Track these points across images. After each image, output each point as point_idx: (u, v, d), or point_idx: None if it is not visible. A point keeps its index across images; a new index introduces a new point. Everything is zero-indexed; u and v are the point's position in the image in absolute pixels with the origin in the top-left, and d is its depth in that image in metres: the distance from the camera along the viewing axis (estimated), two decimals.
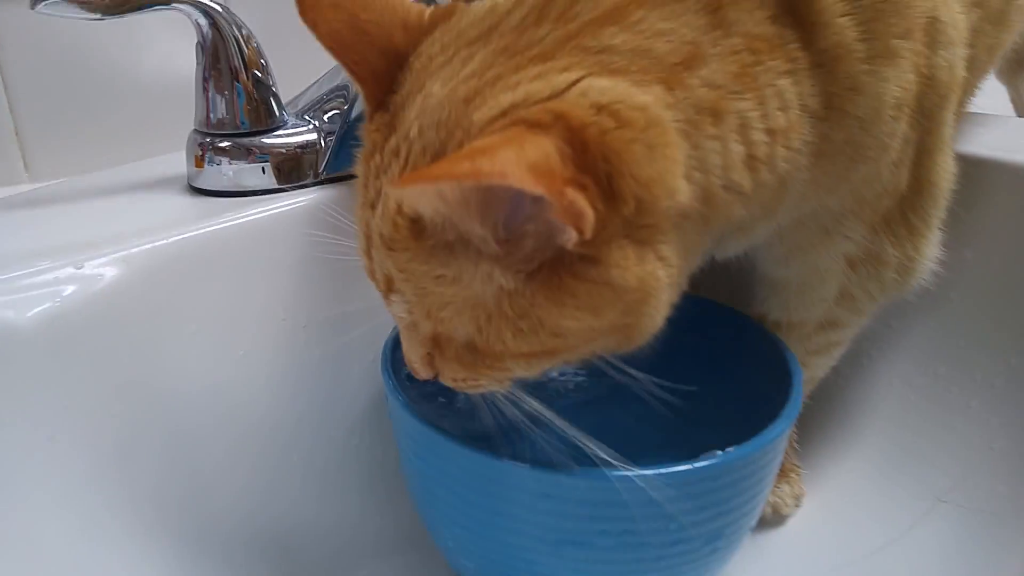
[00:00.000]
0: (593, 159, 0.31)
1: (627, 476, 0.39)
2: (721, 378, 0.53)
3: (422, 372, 0.42)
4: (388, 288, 0.39)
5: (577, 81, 0.33)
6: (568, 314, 0.35)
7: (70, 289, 0.46)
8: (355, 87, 0.41)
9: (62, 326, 0.45)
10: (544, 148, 0.30)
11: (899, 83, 0.40)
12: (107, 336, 0.47)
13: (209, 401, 0.52)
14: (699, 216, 0.37)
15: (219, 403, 0.52)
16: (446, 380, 0.42)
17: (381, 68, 0.40)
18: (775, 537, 0.58)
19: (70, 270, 0.47)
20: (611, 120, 0.32)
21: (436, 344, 0.40)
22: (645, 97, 0.33)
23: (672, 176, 0.34)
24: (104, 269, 0.48)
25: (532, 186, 0.28)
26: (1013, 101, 0.79)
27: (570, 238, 0.32)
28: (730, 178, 0.36)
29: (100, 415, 0.46)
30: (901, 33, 0.39)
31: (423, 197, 0.32)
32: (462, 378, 0.41)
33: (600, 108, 0.32)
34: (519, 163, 0.28)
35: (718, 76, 0.35)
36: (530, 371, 0.39)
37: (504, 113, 0.33)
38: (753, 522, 0.47)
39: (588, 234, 0.31)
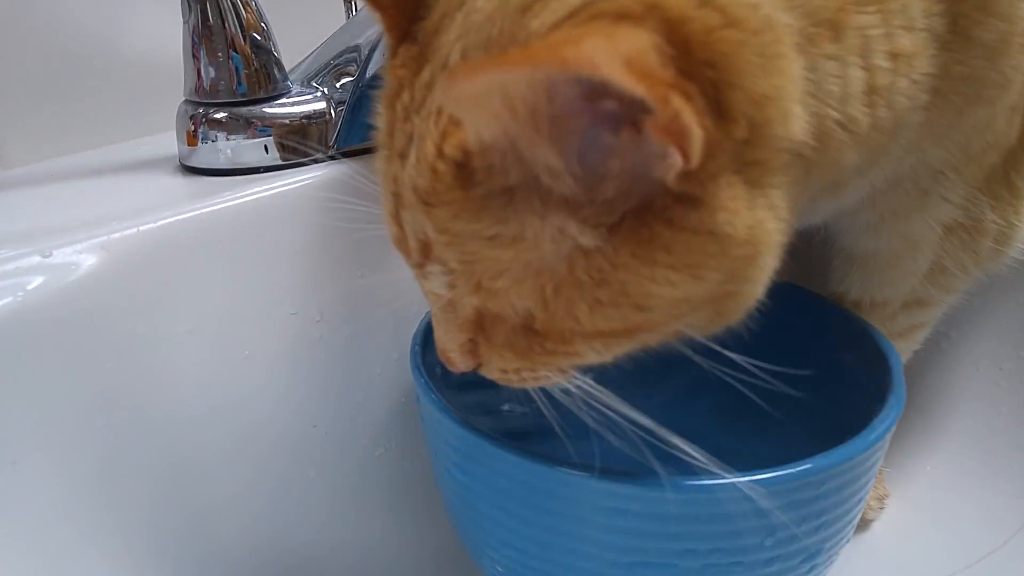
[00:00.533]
0: (697, 62, 0.25)
1: (725, 484, 0.33)
2: (806, 369, 0.48)
3: (461, 363, 0.37)
4: (424, 257, 0.33)
5: None
6: (660, 277, 0.29)
7: (36, 281, 0.41)
8: (372, 14, 0.35)
9: (26, 325, 0.40)
10: (639, 41, 0.24)
11: None
12: (83, 337, 0.42)
13: (208, 411, 0.48)
14: (807, 160, 0.31)
15: (220, 413, 0.48)
16: (492, 373, 0.37)
17: None
18: (861, 545, 0.53)
19: (36, 259, 0.42)
20: (717, 16, 0.26)
21: (481, 328, 0.35)
22: None
23: (787, 96, 0.28)
24: (78, 257, 0.43)
25: (630, 82, 0.21)
26: None
27: (672, 165, 0.25)
28: (847, 112, 0.31)
29: (76, 431, 0.42)
30: None
31: (483, 104, 0.25)
32: (514, 369, 0.36)
33: (704, 2, 0.26)
34: (612, 53, 0.22)
35: None
36: (603, 356, 0.34)
37: (573, 14, 0.27)
38: (852, 533, 0.42)
39: (694, 160, 0.25)
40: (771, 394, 0.43)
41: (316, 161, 0.53)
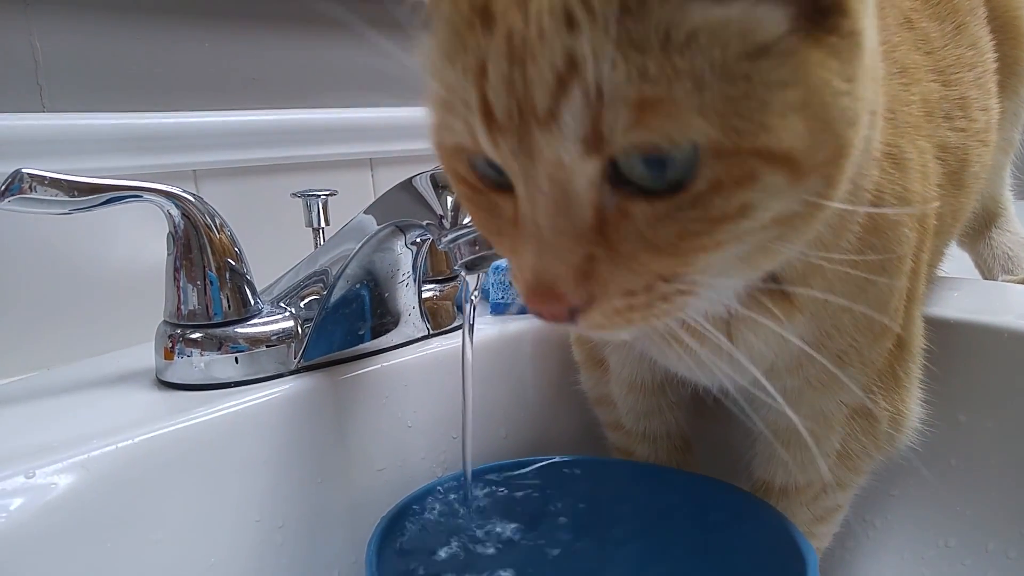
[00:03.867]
0: None
1: None
2: (724, 566, 0.51)
3: (573, 295, 0.30)
4: (560, 88, 0.27)
5: None
6: (830, 87, 0.29)
7: (18, 502, 0.42)
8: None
9: (10, 543, 0.41)
10: None
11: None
12: (60, 552, 0.42)
13: None
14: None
15: None
16: (605, 308, 0.31)
17: None
18: None
19: (20, 480, 0.43)
20: None
21: (603, 235, 0.30)
22: None
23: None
24: (58, 477, 0.44)
25: None
26: (977, 266, 0.82)
27: None
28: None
29: None
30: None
31: None
32: (643, 287, 0.30)
33: None
34: None
35: None
36: (743, 245, 0.31)
37: None
38: None
39: None
40: None
41: (282, 375, 0.55)
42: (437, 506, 0.55)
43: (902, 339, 0.49)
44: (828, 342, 0.45)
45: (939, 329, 0.55)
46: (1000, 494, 0.57)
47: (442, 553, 0.54)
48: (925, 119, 0.48)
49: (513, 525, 0.56)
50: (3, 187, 0.46)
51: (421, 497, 0.54)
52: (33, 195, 0.47)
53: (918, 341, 0.51)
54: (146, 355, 0.58)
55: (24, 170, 0.46)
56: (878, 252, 0.41)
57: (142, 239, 0.69)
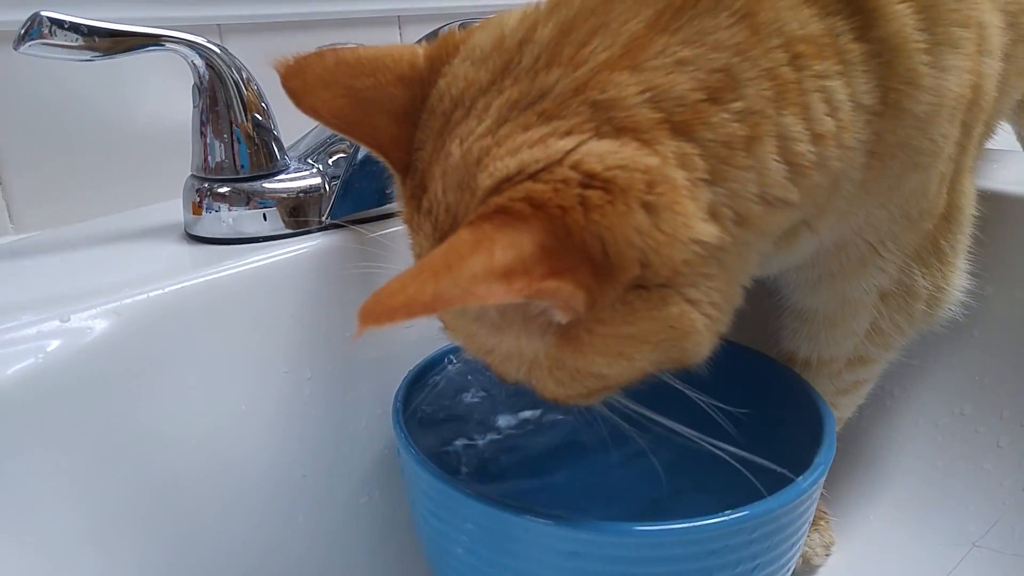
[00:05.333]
0: (580, 241, 0.31)
1: (668, 530, 0.37)
2: (750, 424, 0.52)
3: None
4: (442, 324, 0.40)
5: (575, 148, 0.32)
6: (599, 362, 0.35)
7: (55, 344, 0.43)
8: (379, 159, 0.40)
9: (46, 384, 0.42)
10: (519, 247, 0.29)
11: (959, 78, 0.38)
12: (96, 393, 0.44)
13: (207, 460, 0.49)
14: (740, 240, 0.35)
15: (217, 462, 0.49)
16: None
17: (396, 132, 0.38)
18: None
19: (55, 323, 0.44)
20: (602, 194, 0.31)
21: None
22: (650, 159, 0.32)
23: (685, 229, 0.32)
24: (93, 322, 0.45)
25: (503, 296, 0.28)
26: (1020, 138, 0.79)
27: (563, 318, 0.32)
28: (772, 195, 0.35)
29: (83, 482, 0.43)
30: (962, 21, 0.37)
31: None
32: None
33: (592, 178, 0.31)
34: (488, 274, 0.28)
35: (754, 103, 0.33)
36: (591, 403, 0.39)
37: (499, 186, 0.32)
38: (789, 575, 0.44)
39: (583, 310, 0.31)
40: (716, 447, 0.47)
41: (310, 231, 0.56)
42: (462, 363, 0.56)
43: (948, 211, 0.47)
44: (857, 238, 0.44)
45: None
46: (1020, 364, 0.58)
47: (467, 404, 0.55)
48: None
49: None
50: (22, 31, 0.45)
51: (448, 352, 0.55)
52: (52, 40, 0.46)
53: (968, 212, 0.49)
54: (175, 210, 0.58)
55: (43, 13, 0.45)
56: (909, 154, 0.39)
57: (171, 93, 0.68)
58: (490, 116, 0.34)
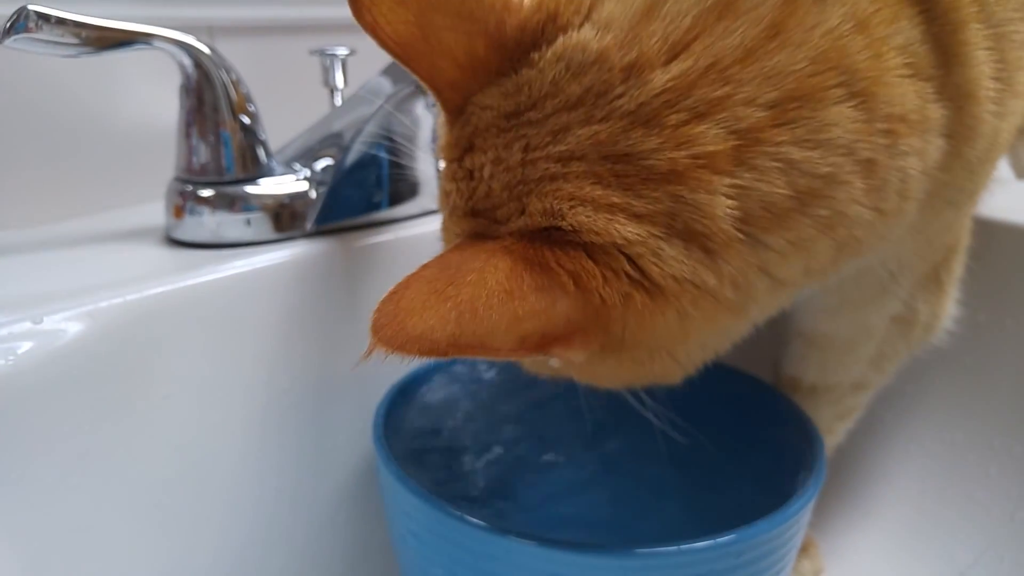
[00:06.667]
0: (606, 324, 0.31)
1: (644, 553, 0.36)
2: (740, 448, 0.51)
3: None
4: None
5: (640, 242, 0.30)
6: (624, 375, 0.37)
7: (26, 346, 0.42)
8: (429, 92, 0.36)
9: (16, 387, 0.41)
10: (548, 317, 0.30)
11: (1012, 123, 0.37)
12: (67, 398, 0.43)
13: (179, 471, 0.47)
14: (762, 306, 0.36)
15: (191, 474, 0.48)
16: None
17: (457, 78, 0.34)
18: None
19: (27, 324, 0.42)
20: (646, 299, 0.31)
21: None
22: (709, 278, 0.31)
23: (708, 330, 0.34)
24: (67, 324, 0.43)
25: (513, 352, 0.30)
26: (1013, 166, 0.79)
27: (556, 363, 0.35)
28: (811, 268, 0.34)
29: (55, 487, 0.42)
30: (1022, 66, 0.36)
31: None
32: None
33: (645, 277, 0.31)
34: (509, 331, 0.29)
35: (838, 205, 0.32)
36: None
37: (551, 229, 0.31)
38: None
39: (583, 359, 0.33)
40: (709, 468, 0.46)
41: (294, 238, 0.54)
42: (446, 379, 0.55)
43: (950, 242, 0.47)
44: (880, 266, 0.44)
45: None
46: (1011, 393, 0.58)
47: (450, 422, 0.54)
48: None
49: (522, 400, 0.57)
50: (8, 25, 0.44)
51: (432, 369, 0.54)
52: (39, 34, 0.44)
53: (964, 242, 0.49)
54: (155, 213, 0.57)
55: (30, 7, 0.44)
56: (952, 194, 0.38)
57: (156, 94, 0.67)
58: (567, 142, 0.31)
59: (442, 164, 0.37)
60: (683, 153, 0.30)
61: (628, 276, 0.30)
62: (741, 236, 0.31)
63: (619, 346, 0.32)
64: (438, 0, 0.33)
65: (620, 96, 0.31)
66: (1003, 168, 0.77)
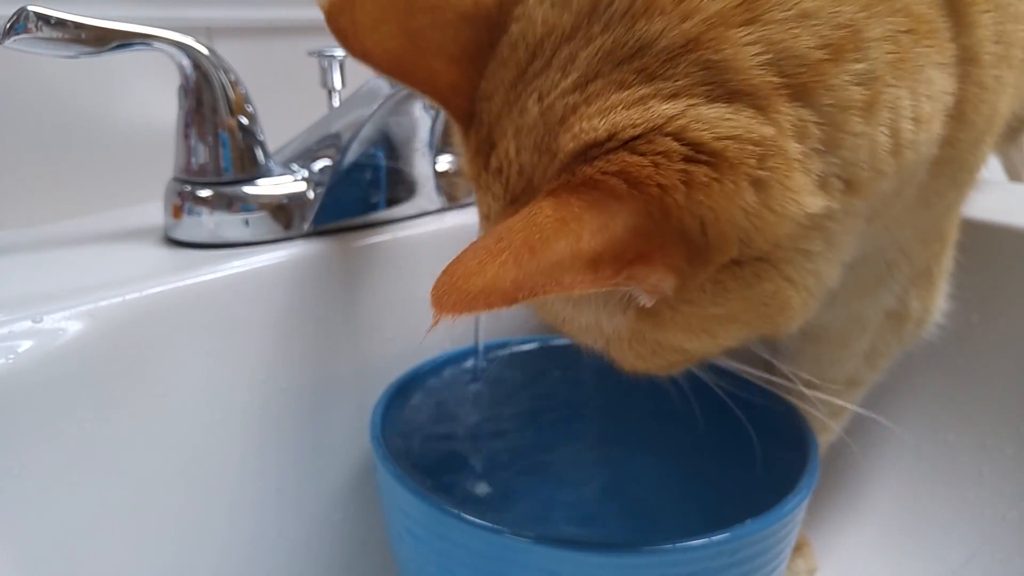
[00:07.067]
0: (678, 222, 0.28)
1: (640, 551, 0.37)
2: (732, 447, 0.51)
3: None
4: None
5: (681, 113, 0.28)
6: (681, 338, 0.33)
7: (26, 345, 0.42)
8: (435, 106, 0.36)
9: (16, 386, 0.41)
10: (610, 231, 0.27)
11: (1009, 99, 0.37)
12: (67, 397, 0.43)
13: (178, 471, 0.48)
14: (846, 211, 0.33)
15: (189, 473, 0.48)
16: None
17: (457, 78, 0.35)
18: None
19: (27, 323, 0.43)
20: (708, 170, 0.28)
21: None
22: (766, 128, 0.29)
23: (795, 206, 0.29)
24: (66, 323, 0.44)
25: (589, 285, 0.26)
26: (1006, 169, 0.80)
27: (647, 301, 0.30)
28: (876, 167, 0.32)
29: (54, 485, 0.42)
30: (1018, 41, 0.36)
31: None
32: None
33: (699, 151, 0.28)
34: (575, 260, 0.26)
35: (876, 66, 0.30)
36: (672, 372, 0.38)
37: (586, 151, 0.29)
38: None
39: (671, 294, 0.29)
40: (704, 466, 0.46)
41: (292, 239, 0.54)
42: (445, 378, 0.55)
43: (942, 235, 0.47)
44: (878, 256, 0.43)
45: (960, 229, 0.53)
46: (1004, 393, 0.58)
47: (448, 421, 0.54)
48: None
49: (521, 399, 0.57)
50: (7, 25, 0.44)
51: (429, 368, 0.54)
52: (39, 35, 0.45)
53: (954, 236, 0.49)
54: (154, 213, 0.57)
55: (30, 8, 0.44)
56: (955, 171, 0.38)
57: (155, 95, 0.67)
58: (577, 69, 0.30)
59: (472, 187, 0.36)
60: (692, 21, 0.29)
61: (680, 155, 0.28)
62: (785, 90, 0.29)
63: (706, 257, 0.29)
64: (409, 5, 0.33)
65: (611, 3, 0.30)
66: (995, 170, 0.78)
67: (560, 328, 0.37)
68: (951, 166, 0.37)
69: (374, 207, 0.58)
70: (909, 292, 0.47)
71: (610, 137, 0.29)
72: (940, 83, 0.32)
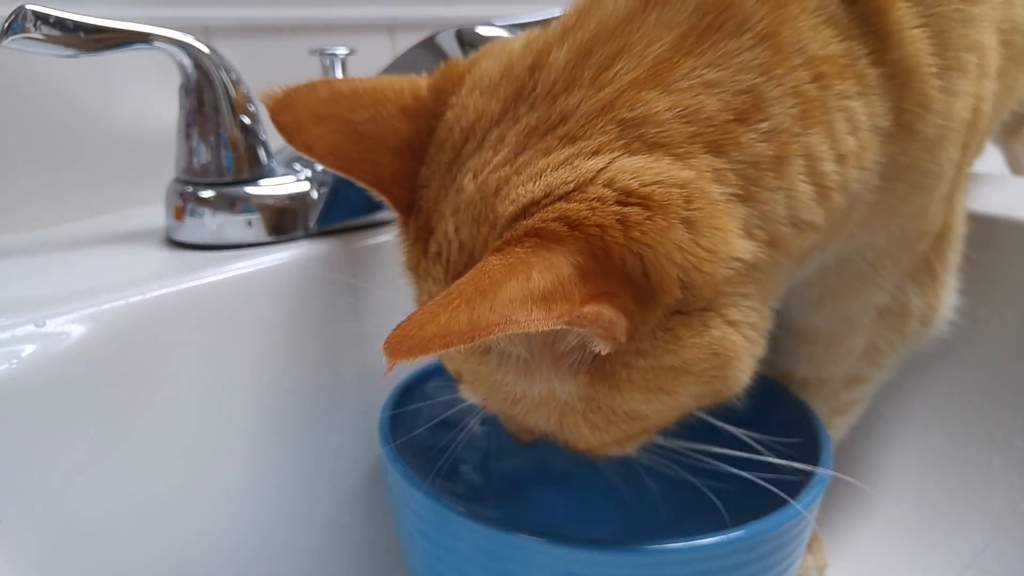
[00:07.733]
0: (620, 261, 0.30)
1: (664, 549, 0.36)
2: (746, 444, 0.51)
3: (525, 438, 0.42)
4: (459, 379, 0.38)
5: (606, 166, 0.31)
6: (639, 399, 0.33)
7: (30, 349, 0.42)
8: (378, 197, 0.39)
9: (19, 390, 0.40)
10: (556, 270, 0.28)
11: (965, 102, 0.38)
12: (71, 401, 0.42)
13: (184, 474, 0.47)
14: (772, 261, 0.34)
15: (195, 476, 0.48)
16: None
17: (398, 168, 0.37)
18: None
19: (30, 327, 0.42)
20: (640, 210, 0.30)
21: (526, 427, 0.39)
22: (686, 172, 0.31)
23: (725, 245, 0.31)
24: (69, 327, 0.43)
25: (544, 322, 0.26)
26: (1009, 162, 0.80)
27: (603, 348, 0.30)
28: (799, 218, 0.34)
29: (60, 491, 0.42)
30: (969, 45, 0.37)
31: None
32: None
33: (628, 196, 0.30)
34: (525, 299, 0.27)
35: (781, 122, 0.32)
36: (627, 451, 0.38)
37: (524, 211, 0.31)
38: None
39: (624, 339, 0.30)
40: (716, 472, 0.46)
41: (295, 239, 0.54)
42: (451, 378, 0.55)
43: (941, 231, 0.47)
44: (858, 257, 0.44)
45: (967, 224, 0.53)
46: (1012, 387, 0.58)
47: (457, 420, 0.54)
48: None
49: None
50: (6, 24, 0.44)
51: (436, 369, 0.53)
52: (37, 34, 0.44)
53: (959, 231, 0.49)
54: (156, 215, 0.56)
55: (28, 7, 0.44)
56: (916, 177, 0.39)
57: (156, 95, 0.66)
58: (506, 146, 0.33)
59: (412, 280, 0.37)
60: (608, 90, 0.32)
61: (613, 199, 0.30)
62: (698, 140, 0.31)
63: (652, 298, 0.30)
64: (351, 102, 0.36)
65: (535, 88, 0.34)
66: (999, 165, 0.78)
67: (510, 413, 0.37)
68: (910, 173, 0.38)
69: (378, 206, 0.57)
70: (905, 289, 0.47)
71: (546, 195, 0.31)
72: (866, 110, 0.34)
